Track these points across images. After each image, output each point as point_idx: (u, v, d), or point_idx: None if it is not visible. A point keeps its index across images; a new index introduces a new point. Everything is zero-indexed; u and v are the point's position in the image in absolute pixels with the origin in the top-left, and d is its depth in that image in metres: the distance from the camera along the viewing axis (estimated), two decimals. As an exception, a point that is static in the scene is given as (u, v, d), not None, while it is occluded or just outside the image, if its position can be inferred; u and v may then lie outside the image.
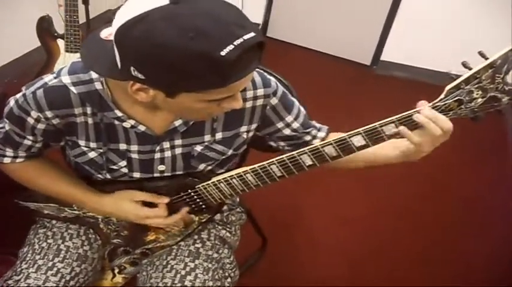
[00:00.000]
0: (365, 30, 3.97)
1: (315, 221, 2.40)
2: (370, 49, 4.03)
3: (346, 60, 4.11)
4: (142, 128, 1.05)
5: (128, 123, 1.04)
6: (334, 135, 1.05)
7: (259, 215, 1.80)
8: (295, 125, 1.20)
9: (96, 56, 0.90)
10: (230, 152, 1.16)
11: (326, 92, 3.54)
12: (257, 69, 1.12)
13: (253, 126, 1.16)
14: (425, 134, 0.96)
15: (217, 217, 1.34)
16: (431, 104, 0.97)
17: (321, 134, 1.24)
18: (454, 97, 0.95)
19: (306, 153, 1.05)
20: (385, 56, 4.02)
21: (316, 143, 1.04)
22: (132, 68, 0.82)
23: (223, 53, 0.76)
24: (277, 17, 4.27)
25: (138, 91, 0.88)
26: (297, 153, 1.06)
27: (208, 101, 0.88)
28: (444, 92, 0.96)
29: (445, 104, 0.96)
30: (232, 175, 1.12)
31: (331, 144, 1.03)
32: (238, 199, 1.45)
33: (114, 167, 1.12)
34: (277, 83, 1.15)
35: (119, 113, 1.02)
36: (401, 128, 0.96)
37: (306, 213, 2.44)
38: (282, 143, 1.23)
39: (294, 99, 1.21)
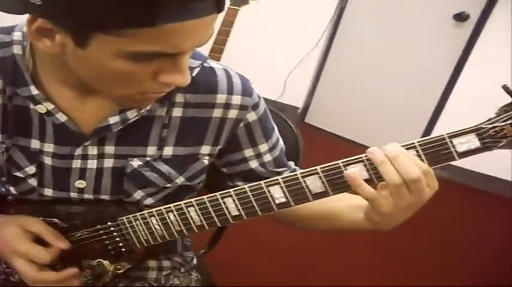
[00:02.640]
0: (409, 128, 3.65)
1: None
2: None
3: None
4: (62, 118, 0.75)
5: (43, 107, 0.74)
6: None
7: None
8: (267, 158, 0.87)
9: None
10: (180, 180, 0.82)
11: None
12: (239, 74, 0.82)
13: (218, 148, 0.83)
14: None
15: (152, 274, 0.96)
16: (474, 127, 0.63)
17: None
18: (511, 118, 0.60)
19: (278, 183, 0.71)
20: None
21: None
22: None
23: None
24: (318, 103, 4.04)
25: (40, 35, 0.60)
26: (265, 183, 0.72)
27: (133, 57, 0.58)
28: (496, 110, 0.63)
29: (495, 127, 0.61)
30: (169, 208, 0.77)
31: (316, 173, 0.69)
32: (195, 261, 1.06)
33: (19, 174, 0.79)
34: (261, 97, 0.84)
35: (35, 91, 0.72)
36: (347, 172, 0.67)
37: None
38: (239, 183, 0.88)
39: (275, 125, 0.89)
